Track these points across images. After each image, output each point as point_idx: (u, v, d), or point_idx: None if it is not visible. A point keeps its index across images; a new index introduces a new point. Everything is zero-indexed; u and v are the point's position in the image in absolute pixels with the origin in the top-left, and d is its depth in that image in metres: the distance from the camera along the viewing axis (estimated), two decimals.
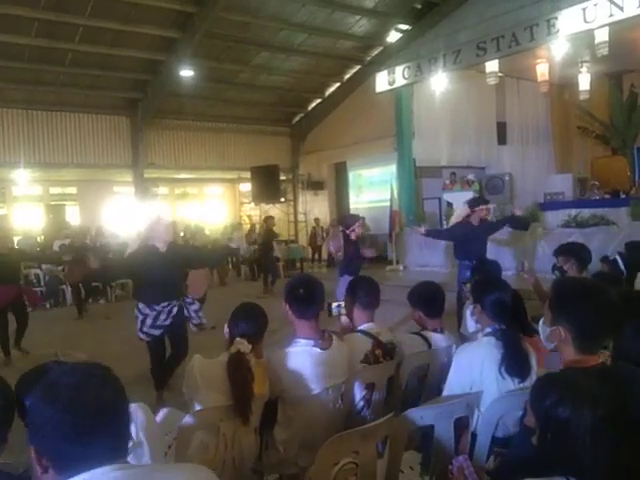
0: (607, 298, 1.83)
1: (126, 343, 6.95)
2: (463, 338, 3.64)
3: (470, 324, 3.36)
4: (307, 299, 2.69)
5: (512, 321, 2.62)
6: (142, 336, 5.15)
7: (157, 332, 5.11)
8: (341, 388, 2.72)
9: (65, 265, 11.26)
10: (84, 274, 9.05)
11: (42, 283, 11.93)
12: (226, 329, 2.74)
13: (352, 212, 16.69)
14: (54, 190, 18.42)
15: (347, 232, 6.65)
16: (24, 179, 15.83)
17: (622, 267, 3.98)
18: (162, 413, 2.87)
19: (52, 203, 17.63)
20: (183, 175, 19.38)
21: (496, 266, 4.55)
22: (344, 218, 7.79)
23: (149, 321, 5.07)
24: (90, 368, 1.24)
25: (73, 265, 10.89)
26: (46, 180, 17.53)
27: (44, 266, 12.05)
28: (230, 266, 15.44)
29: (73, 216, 17.58)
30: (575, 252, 4.04)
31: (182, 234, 14.66)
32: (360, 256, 6.79)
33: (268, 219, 13.24)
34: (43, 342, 7.78)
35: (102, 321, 9.92)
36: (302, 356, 2.62)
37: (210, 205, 21.82)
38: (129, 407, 1.26)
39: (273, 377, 2.61)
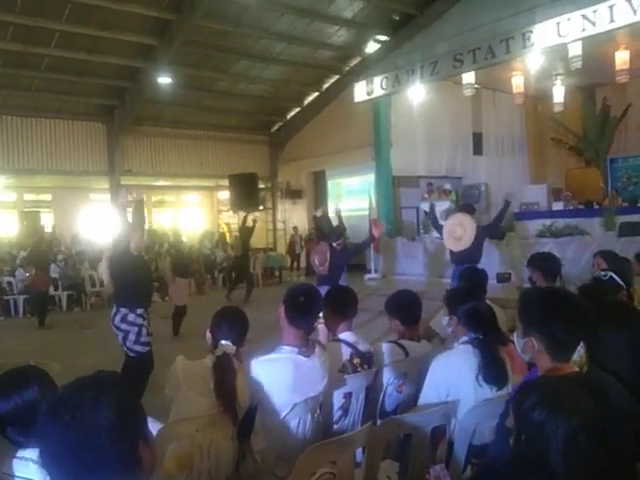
0: (573, 304, 1.85)
1: (102, 353, 6.85)
2: (432, 332, 3.65)
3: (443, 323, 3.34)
4: (304, 309, 2.69)
5: (488, 329, 2.64)
6: (139, 348, 4.87)
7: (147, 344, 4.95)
8: (320, 398, 2.71)
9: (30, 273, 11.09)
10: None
11: (15, 291, 11.71)
12: (208, 334, 2.72)
13: (331, 220, 16.76)
14: (28, 197, 18.14)
15: (334, 245, 6.73)
16: None
17: (620, 281, 3.78)
18: None
19: (26, 210, 17.35)
20: (161, 182, 19.24)
21: (482, 273, 4.57)
22: (329, 233, 7.69)
23: (144, 330, 4.89)
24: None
25: (37, 273, 10.72)
26: (20, 187, 17.27)
27: (17, 274, 11.83)
28: (207, 275, 15.30)
29: (48, 223, 17.32)
30: (538, 263, 4.01)
31: (164, 245, 14.51)
32: (344, 266, 6.91)
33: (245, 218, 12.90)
34: (16, 352, 7.63)
35: (77, 330, 9.75)
36: (285, 363, 2.61)
37: (188, 213, 21.68)
38: None
39: (254, 384, 2.59)
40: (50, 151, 15.41)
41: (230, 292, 12.15)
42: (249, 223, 12.57)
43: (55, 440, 1.14)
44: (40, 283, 10.63)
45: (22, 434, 1.79)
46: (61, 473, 1.15)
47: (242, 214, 13.15)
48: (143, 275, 5.24)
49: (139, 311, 4.91)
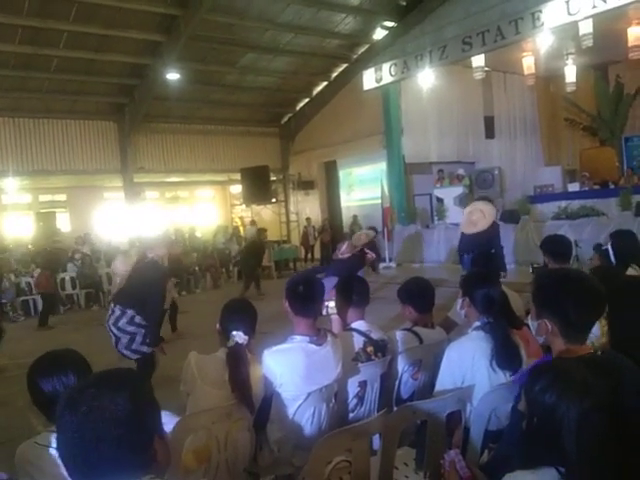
0: (585, 285, 1.82)
1: None
2: (451, 322, 3.64)
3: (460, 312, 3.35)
4: (305, 297, 2.71)
5: (500, 315, 2.62)
6: (145, 349, 4.85)
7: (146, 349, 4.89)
8: (334, 386, 2.72)
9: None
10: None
11: (34, 291, 11.83)
12: (218, 327, 2.75)
13: (343, 210, 16.92)
14: (44, 197, 18.27)
15: (367, 251, 7.39)
16: (13, 187, 15.73)
17: (612, 258, 3.93)
18: None
19: (42, 211, 17.50)
20: (173, 179, 19.31)
21: (496, 258, 4.54)
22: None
23: (139, 338, 4.84)
24: None
25: (42, 274, 10.85)
26: (35, 188, 17.40)
27: (35, 274, 11.96)
28: (222, 269, 15.36)
29: (64, 223, 17.48)
30: (549, 246, 4.00)
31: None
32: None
33: (262, 231, 12.81)
34: (33, 351, 7.71)
35: (95, 328, 9.83)
36: (296, 352, 2.63)
37: (201, 208, 21.76)
38: None
39: (268, 375, 2.61)
40: (63, 151, 15.53)
41: (259, 289, 11.84)
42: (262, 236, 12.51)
43: (71, 431, 1.16)
44: (45, 284, 10.72)
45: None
46: (76, 464, 1.17)
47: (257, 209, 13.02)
48: (163, 288, 5.25)
49: (143, 315, 4.89)
